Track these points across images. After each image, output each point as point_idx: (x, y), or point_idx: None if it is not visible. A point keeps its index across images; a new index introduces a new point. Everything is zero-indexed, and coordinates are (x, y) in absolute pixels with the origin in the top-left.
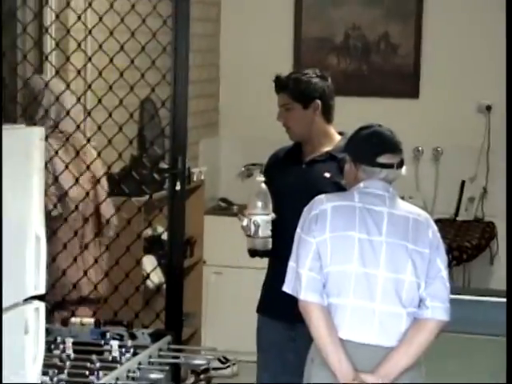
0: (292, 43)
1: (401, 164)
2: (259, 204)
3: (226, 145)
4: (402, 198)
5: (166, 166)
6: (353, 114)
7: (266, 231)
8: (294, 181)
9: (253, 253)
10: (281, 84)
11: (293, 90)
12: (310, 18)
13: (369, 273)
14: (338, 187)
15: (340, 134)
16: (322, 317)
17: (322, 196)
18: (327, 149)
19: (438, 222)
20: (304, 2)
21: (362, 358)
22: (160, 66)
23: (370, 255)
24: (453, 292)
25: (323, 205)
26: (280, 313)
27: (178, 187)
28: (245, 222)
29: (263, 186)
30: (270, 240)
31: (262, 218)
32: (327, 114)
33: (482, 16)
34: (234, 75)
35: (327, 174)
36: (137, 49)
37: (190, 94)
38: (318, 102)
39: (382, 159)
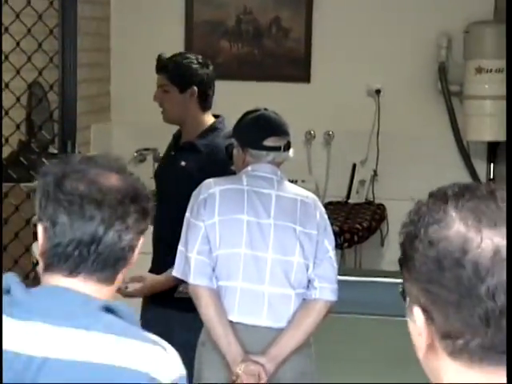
0: (183, 27)
1: (287, 146)
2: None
3: (118, 130)
4: (295, 181)
5: (55, 151)
6: (245, 98)
7: None
8: (164, 167)
9: None
10: (161, 64)
11: (171, 73)
12: (202, 1)
13: (257, 255)
14: (188, 178)
15: (215, 116)
16: (211, 300)
17: (211, 180)
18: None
19: (329, 204)
20: None
21: (252, 340)
22: (47, 49)
23: (258, 238)
24: (344, 273)
25: (211, 189)
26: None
27: None
28: None
29: None
30: None
31: None
32: (203, 102)
33: (372, 1)
34: (126, 59)
35: (183, 163)
36: (23, 31)
37: (79, 77)
38: (195, 88)
39: (268, 142)
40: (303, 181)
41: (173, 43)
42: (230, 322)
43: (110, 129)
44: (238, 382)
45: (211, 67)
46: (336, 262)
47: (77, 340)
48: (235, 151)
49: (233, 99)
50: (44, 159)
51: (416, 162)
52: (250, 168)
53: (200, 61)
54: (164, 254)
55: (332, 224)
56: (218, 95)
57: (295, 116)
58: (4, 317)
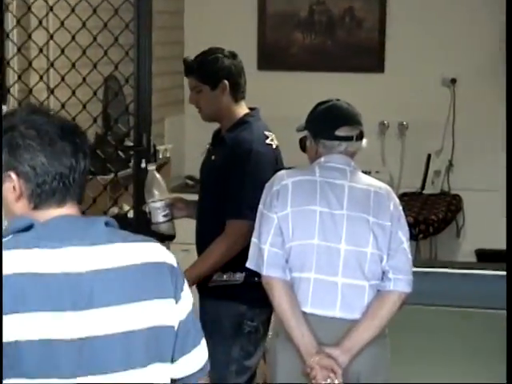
0: (256, 19)
1: (360, 136)
2: (147, 192)
3: (192, 122)
4: (369, 172)
5: (130, 144)
6: (318, 89)
7: (156, 217)
8: (203, 161)
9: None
10: (187, 67)
11: (199, 73)
12: None
13: (330, 246)
14: (216, 171)
15: (251, 109)
16: (284, 292)
17: (283, 171)
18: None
19: (404, 195)
20: None
21: (325, 331)
22: (123, 43)
23: (331, 229)
24: (420, 265)
25: (284, 180)
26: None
27: (143, 165)
28: (147, 210)
29: (153, 173)
30: (165, 225)
31: (150, 205)
32: (236, 93)
33: None
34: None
35: (213, 157)
36: (99, 26)
37: (154, 71)
38: (226, 82)
39: (340, 132)
40: (377, 172)
41: (245, 36)
42: (303, 313)
43: (183, 121)
44: (312, 374)
45: (238, 58)
46: (410, 253)
47: (109, 252)
48: (308, 142)
49: (305, 90)
50: (120, 152)
51: (492, 152)
52: (322, 159)
53: (225, 53)
54: (204, 246)
55: (407, 215)
56: (289, 86)
57: (369, 106)
58: (32, 250)
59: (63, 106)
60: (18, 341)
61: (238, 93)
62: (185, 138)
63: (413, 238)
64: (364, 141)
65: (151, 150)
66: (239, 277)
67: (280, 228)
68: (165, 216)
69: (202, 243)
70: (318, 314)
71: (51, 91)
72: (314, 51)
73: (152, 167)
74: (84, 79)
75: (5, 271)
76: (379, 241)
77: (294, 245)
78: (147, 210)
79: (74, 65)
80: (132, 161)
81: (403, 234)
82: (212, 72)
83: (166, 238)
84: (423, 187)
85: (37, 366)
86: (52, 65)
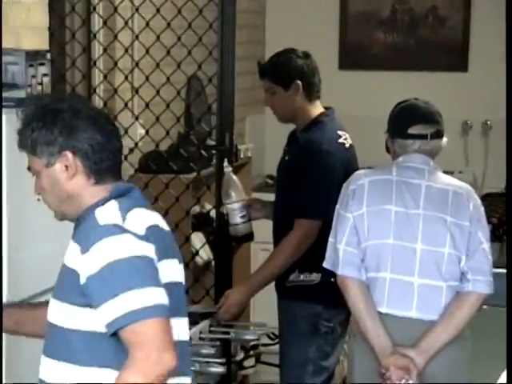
0: (338, 19)
1: (436, 135)
2: (224, 193)
3: (272, 122)
4: (451, 172)
5: (213, 143)
6: (399, 88)
7: (234, 219)
8: (280, 161)
9: (232, 239)
10: (261, 70)
11: (271, 74)
12: None
13: (406, 246)
14: (289, 170)
15: (326, 108)
16: (359, 292)
17: (361, 171)
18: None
19: (488, 196)
20: None
21: (401, 332)
22: (206, 43)
23: (407, 228)
24: (504, 266)
25: (360, 180)
26: None
27: (225, 164)
28: (225, 211)
29: (229, 175)
30: (242, 226)
31: (228, 207)
32: (309, 92)
33: None
34: None
35: (287, 157)
36: (183, 26)
37: (236, 70)
38: (298, 82)
39: (413, 130)
40: (460, 172)
41: (327, 35)
42: (379, 313)
43: (264, 121)
44: (387, 374)
45: (311, 58)
46: (491, 254)
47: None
48: (388, 143)
49: (387, 89)
50: (202, 151)
51: None
52: (400, 159)
53: (298, 54)
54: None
55: (491, 216)
56: (371, 85)
57: (451, 106)
58: (145, 208)
59: (147, 105)
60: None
61: (311, 92)
62: (265, 138)
63: (497, 239)
64: (443, 140)
65: (233, 150)
66: (315, 277)
67: (355, 228)
68: (242, 217)
69: (279, 242)
70: (393, 315)
71: (136, 91)
72: (396, 50)
73: (228, 169)
74: (168, 79)
75: (144, 224)
76: (457, 241)
77: (369, 244)
78: (225, 212)
79: (158, 65)
80: (214, 160)
81: (483, 235)
82: (284, 73)
83: (244, 239)
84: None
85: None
86: (137, 65)
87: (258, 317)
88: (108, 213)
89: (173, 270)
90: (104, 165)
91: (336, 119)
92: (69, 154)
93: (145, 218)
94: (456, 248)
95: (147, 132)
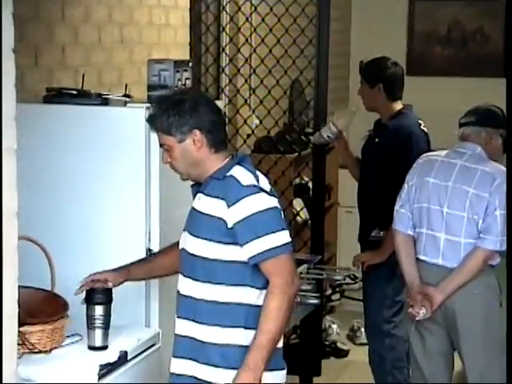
0: (406, 35)
1: (474, 123)
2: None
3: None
4: None
5: (310, 131)
6: (453, 90)
7: (323, 132)
8: (366, 144)
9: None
10: (360, 68)
11: (364, 73)
12: (421, 15)
13: (437, 209)
14: (379, 151)
15: (405, 105)
16: (402, 242)
17: (428, 153)
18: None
19: None
20: (416, 3)
21: (430, 274)
22: (307, 54)
23: (438, 196)
24: None
25: (420, 159)
26: None
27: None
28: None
29: (351, 112)
30: (324, 140)
31: (331, 127)
32: (390, 94)
33: None
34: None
35: (377, 140)
36: (289, 41)
37: (328, 76)
38: (380, 84)
39: (461, 120)
40: None
41: (398, 48)
42: (418, 259)
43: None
44: (410, 303)
45: (399, 67)
46: (503, 220)
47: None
48: None
49: (444, 91)
50: (302, 136)
51: None
52: (456, 145)
53: (389, 62)
54: (365, 217)
55: None
56: (432, 88)
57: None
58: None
59: (261, 101)
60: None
61: (392, 94)
62: (349, 128)
63: None
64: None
65: None
66: None
67: (408, 194)
68: (328, 137)
69: (364, 208)
70: (426, 261)
71: (253, 91)
72: (451, 61)
73: (354, 109)
74: (277, 82)
75: (267, 183)
76: (474, 208)
77: (415, 207)
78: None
79: (270, 71)
80: (311, 143)
81: (499, 205)
82: (372, 74)
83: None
84: None
85: None
86: (254, 71)
87: (342, 263)
88: (245, 176)
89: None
90: (220, 137)
91: (414, 113)
92: (197, 131)
93: (265, 178)
94: (474, 213)
95: (261, 122)
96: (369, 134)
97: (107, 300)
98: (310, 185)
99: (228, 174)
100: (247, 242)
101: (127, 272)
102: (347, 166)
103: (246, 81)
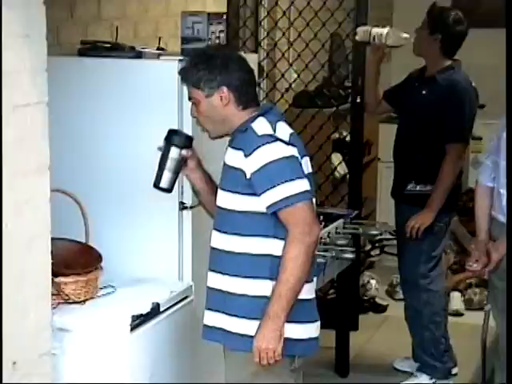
0: None
1: None
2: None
3: (395, 70)
4: None
5: (349, 84)
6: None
7: (375, 33)
8: (407, 95)
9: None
10: (428, 12)
11: (428, 21)
12: None
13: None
14: (430, 103)
15: (455, 60)
16: (480, 195)
17: None
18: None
19: None
20: None
21: (497, 232)
22: (346, 7)
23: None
24: None
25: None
26: None
27: (358, 100)
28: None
29: (404, 37)
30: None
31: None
32: (446, 47)
33: None
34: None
35: (424, 92)
36: None
37: None
38: (440, 35)
39: None
40: None
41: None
42: (489, 215)
43: (389, 68)
44: (471, 254)
45: (465, 26)
46: None
47: None
48: None
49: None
50: (341, 91)
51: None
52: None
53: (457, 17)
54: (401, 170)
55: None
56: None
57: None
58: (282, 122)
59: (299, 55)
60: (309, 173)
61: (448, 49)
62: (391, 82)
63: None
64: None
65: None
66: (429, 188)
67: (494, 147)
68: (373, 39)
69: (401, 160)
70: (497, 219)
71: (290, 44)
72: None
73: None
74: (315, 35)
75: (287, 133)
76: None
77: (499, 163)
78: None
79: (308, 24)
80: (350, 97)
81: None
82: (436, 23)
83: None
84: None
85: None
86: (292, 24)
87: (382, 218)
88: (262, 126)
89: (308, 165)
90: (249, 95)
91: (461, 69)
92: (224, 88)
93: (286, 128)
94: None
95: (299, 76)
96: (410, 75)
97: (185, 145)
98: (349, 139)
99: (249, 126)
100: (264, 192)
101: (205, 174)
102: (368, 80)
103: (283, 34)
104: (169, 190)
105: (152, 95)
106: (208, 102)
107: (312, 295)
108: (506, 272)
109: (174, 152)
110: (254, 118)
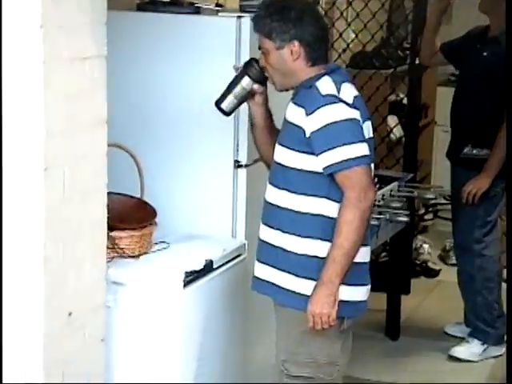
0: None
1: None
2: None
3: (455, 32)
4: None
5: (408, 46)
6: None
7: None
8: (468, 57)
9: None
10: None
11: None
12: None
13: None
14: (489, 66)
15: None
16: None
17: None
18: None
19: None
20: None
21: None
22: None
23: None
24: None
25: None
26: None
27: (417, 62)
28: None
29: None
30: None
31: None
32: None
33: None
34: None
35: (485, 53)
36: None
37: None
38: None
39: None
40: None
41: None
42: None
43: (450, 30)
44: None
45: None
46: None
47: None
48: None
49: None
50: (400, 52)
51: None
52: None
53: None
54: (458, 132)
55: None
56: None
57: None
58: (348, 83)
59: (358, 15)
60: (370, 138)
61: None
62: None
63: None
64: None
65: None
66: (486, 152)
67: None
68: None
69: (458, 122)
70: None
71: (349, 3)
72: None
73: None
74: None
75: (351, 95)
76: None
77: None
78: None
79: None
80: (408, 59)
81: None
82: None
83: None
84: None
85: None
86: None
87: (437, 182)
88: (327, 85)
89: (369, 129)
90: (320, 52)
91: None
92: (296, 43)
93: (351, 89)
94: None
95: (357, 36)
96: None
97: (259, 80)
98: (406, 102)
99: (314, 84)
100: (322, 152)
101: (267, 111)
102: (428, 30)
103: None
104: (227, 114)
105: (210, 51)
106: (278, 53)
107: (367, 259)
108: None
109: (247, 82)
110: (319, 76)
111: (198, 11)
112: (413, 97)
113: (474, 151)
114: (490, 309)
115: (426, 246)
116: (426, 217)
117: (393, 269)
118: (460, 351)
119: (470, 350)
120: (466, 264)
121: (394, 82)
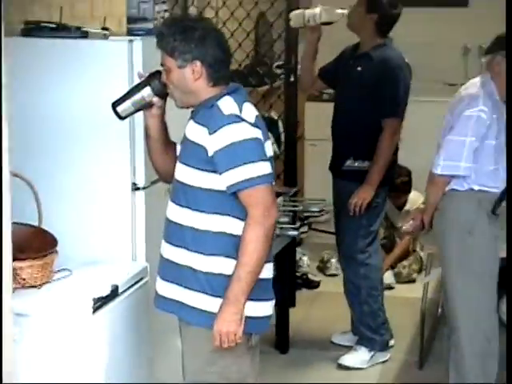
0: None
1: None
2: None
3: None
4: (455, 84)
5: (281, 63)
6: (416, 21)
7: (309, 16)
8: (342, 72)
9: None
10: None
11: (365, 3)
12: None
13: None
14: (365, 80)
15: (386, 37)
16: (442, 185)
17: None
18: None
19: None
20: None
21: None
22: None
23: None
24: None
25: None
26: None
27: (291, 79)
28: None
29: (338, 13)
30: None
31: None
32: (381, 27)
33: None
34: None
35: (359, 68)
36: None
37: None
38: (375, 15)
39: None
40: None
41: None
42: None
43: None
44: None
45: (399, 9)
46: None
47: None
48: None
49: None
50: (274, 69)
51: None
52: None
53: (394, 1)
54: (339, 146)
55: None
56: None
57: (454, 33)
58: (248, 103)
59: (232, 34)
60: (271, 157)
61: (381, 29)
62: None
63: None
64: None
65: (297, 67)
66: (367, 164)
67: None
68: (308, 21)
69: (338, 136)
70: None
71: (223, 23)
72: None
73: (341, 11)
74: (248, 14)
75: (253, 114)
76: None
77: None
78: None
79: (240, 3)
80: (283, 76)
81: None
82: (374, 3)
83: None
84: None
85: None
86: (224, 3)
87: (309, 195)
88: (229, 105)
89: (269, 148)
90: (221, 73)
91: (394, 46)
92: (198, 63)
93: (252, 109)
94: None
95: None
96: (344, 51)
97: (159, 94)
98: (276, 117)
99: (215, 103)
100: (225, 171)
101: (163, 125)
102: (305, 59)
103: (216, 13)
104: (121, 118)
105: (101, 75)
106: (179, 72)
107: (270, 275)
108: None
109: (148, 93)
110: (221, 96)
111: (85, 36)
112: (290, 113)
113: (356, 164)
114: (375, 316)
115: (305, 258)
116: (301, 229)
117: (280, 283)
118: (348, 359)
119: (358, 357)
120: (351, 274)
121: (271, 99)
